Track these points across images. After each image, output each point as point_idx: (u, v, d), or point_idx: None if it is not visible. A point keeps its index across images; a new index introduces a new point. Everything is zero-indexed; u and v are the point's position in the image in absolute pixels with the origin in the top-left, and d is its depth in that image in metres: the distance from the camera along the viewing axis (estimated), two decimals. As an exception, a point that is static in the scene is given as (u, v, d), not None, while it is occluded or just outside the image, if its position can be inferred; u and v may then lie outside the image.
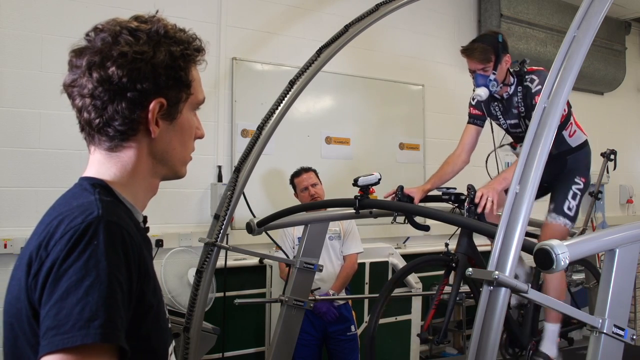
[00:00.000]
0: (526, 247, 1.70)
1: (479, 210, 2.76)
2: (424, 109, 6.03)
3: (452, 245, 3.06)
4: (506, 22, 6.24)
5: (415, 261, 3.19)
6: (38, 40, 4.06)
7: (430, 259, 3.55)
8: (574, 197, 3.21)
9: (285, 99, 3.36)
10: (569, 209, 3.18)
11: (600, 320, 1.76)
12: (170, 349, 1.20)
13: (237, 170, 3.37)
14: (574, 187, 3.23)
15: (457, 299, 3.09)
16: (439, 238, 5.22)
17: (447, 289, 3.07)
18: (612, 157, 5.14)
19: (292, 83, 3.38)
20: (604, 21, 1.83)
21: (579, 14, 1.81)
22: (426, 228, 3.00)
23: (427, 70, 6.10)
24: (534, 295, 1.68)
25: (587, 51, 1.77)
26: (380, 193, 3.04)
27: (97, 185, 1.12)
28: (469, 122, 3.44)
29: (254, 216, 3.35)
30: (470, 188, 2.82)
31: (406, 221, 2.97)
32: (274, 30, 5.13)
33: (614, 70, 7.47)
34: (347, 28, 3.42)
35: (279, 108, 3.35)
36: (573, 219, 3.20)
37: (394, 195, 3.04)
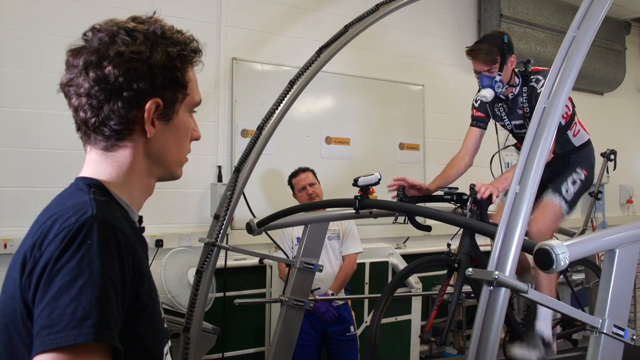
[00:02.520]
0: (526, 247, 1.70)
1: (479, 196, 2.72)
2: (424, 109, 6.03)
3: (453, 246, 3.06)
4: (506, 22, 6.25)
5: (417, 262, 3.17)
6: (38, 40, 4.06)
7: (433, 260, 3.53)
8: (573, 183, 3.17)
9: (285, 99, 3.36)
10: (567, 191, 3.14)
11: (600, 321, 1.76)
12: (166, 349, 1.20)
13: (237, 170, 3.36)
14: (574, 175, 3.20)
15: (446, 297, 3.07)
16: (439, 238, 5.22)
17: (448, 289, 3.06)
18: (612, 157, 5.14)
19: (292, 83, 3.38)
20: (603, 21, 1.82)
21: (579, 14, 1.81)
22: (427, 228, 2.99)
23: (427, 71, 6.10)
24: (534, 295, 1.68)
25: (587, 51, 1.77)
26: (380, 193, 3.04)
27: (92, 185, 1.12)
28: (472, 125, 3.40)
29: (254, 216, 3.35)
30: (472, 187, 2.80)
31: (406, 221, 2.97)
32: (274, 30, 5.13)
33: (613, 70, 7.47)
34: (347, 28, 3.41)
35: (279, 108, 3.35)
36: (569, 204, 3.14)
37: (396, 194, 3.04)
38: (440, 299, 2.98)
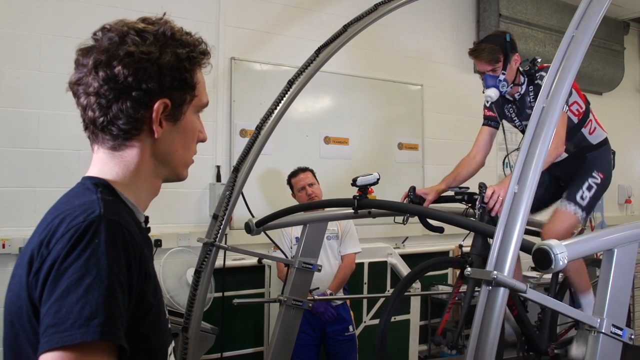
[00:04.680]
0: (525, 247, 1.70)
1: (491, 211, 2.71)
2: (423, 108, 6.03)
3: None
4: (505, 22, 6.25)
5: (429, 262, 3.14)
6: (36, 40, 4.05)
7: (445, 260, 3.53)
8: (589, 189, 3.13)
9: (284, 98, 3.36)
10: (582, 198, 3.10)
11: (599, 320, 1.76)
12: (170, 349, 1.21)
13: (236, 170, 3.36)
14: (590, 180, 3.16)
15: (457, 298, 3.06)
16: (437, 238, 5.18)
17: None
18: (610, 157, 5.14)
19: (290, 83, 3.38)
20: (602, 21, 1.82)
21: (578, 14, 1.81)
22: (440, 230, 2.96)
23: (426, 70, 6.10)
24: (532, 295, 1.68)
25: (585, 51, 1.77)
26: (379, 193, 3.04)
27: (99, 185, 1.13)
28: (483, 124, 3.38)
29: (253, 216, 3.35)
30: (482, 186, 2.77)
31: (404, 221, 2.96)
32: (273, 30, 5.13)
33: (612, 70, 7.48)
34: (345, 28, 3.41)
35: (278, 108, 3.35)
36: (585, 210, 3.11)
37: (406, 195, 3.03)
38: (452, 301, 2.96)
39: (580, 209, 3.10)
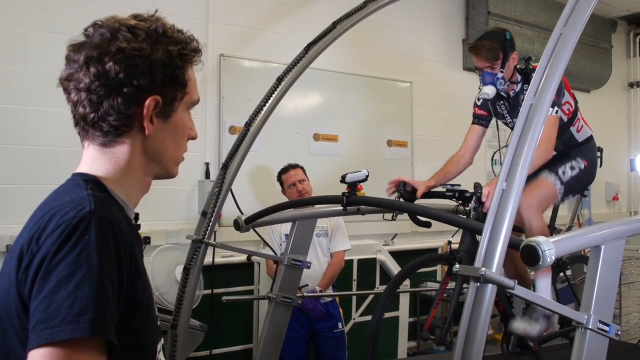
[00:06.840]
0: (513, 244, 1.71)
1: (485, 210, 2.72)
2: (412, 105, 6.04)
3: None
4: (494, 19, 6.26)
5: (419, 259, 3.14)
6: (23, 36, 4.01)
7: (434, 257, 3.54)
8: (571, 168, 3.16)
9: (273, 95, 3.35)
10: (563, 173, 3.13)
11: (586, 316, 1.77)
12: (159, 346, 1.21)
13: (225, 167, 3.36)
14: (573, 162, 3.19)
15: (445, 295, 3.07)
16: (426, 235, 5.24)
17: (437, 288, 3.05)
18: (598, 154, 5.18)
19: (279, 80, 3.37)
20: (590, 19, 1.84)
21: (566, 11, 1.82)
22: (427, 225, 2.98)
23: (415, 67, 6.10)
24: (520, 291, 1.69)
25: (573, 49, 1.78)
26: (368, 190, 3.04)
27: (89, 181, 1.13)
28: (473, 123, 3.40)
29: (242, 213, 3.35)
30: (477, 186, 2.78)
31: (394, 217, 2.96)
32: (262, 26, 5.11)
33: (600, 68, 7.52)
34: (335, 25, 3.41)
35: (267, 105, 3.34)
36: (564, 185, 3.13)
37: (395, 188, 3.03)
38: (440, 297, 2.97)
39: (559, 181, 3.12)
